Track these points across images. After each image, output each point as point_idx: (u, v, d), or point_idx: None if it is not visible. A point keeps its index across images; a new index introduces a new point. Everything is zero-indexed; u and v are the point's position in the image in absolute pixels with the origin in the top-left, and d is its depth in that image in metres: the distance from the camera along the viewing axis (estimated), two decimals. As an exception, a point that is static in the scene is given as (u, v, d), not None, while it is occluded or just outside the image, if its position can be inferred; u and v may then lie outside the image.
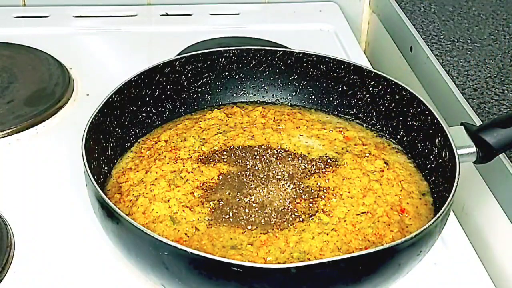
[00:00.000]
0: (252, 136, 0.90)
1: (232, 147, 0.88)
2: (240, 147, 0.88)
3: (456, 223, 0.91)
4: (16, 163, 0.96)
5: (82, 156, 0.77)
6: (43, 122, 1.02)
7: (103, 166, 0.84)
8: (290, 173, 0.84)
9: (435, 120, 0.85)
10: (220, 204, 0.80)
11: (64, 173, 0.94)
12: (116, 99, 0.87)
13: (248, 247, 0.75)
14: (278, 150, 0.88)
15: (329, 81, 0.96)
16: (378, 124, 0.94)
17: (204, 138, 0.89)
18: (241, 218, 0.78)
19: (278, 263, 0.73)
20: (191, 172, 0.83)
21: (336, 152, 0.88)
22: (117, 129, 0.88)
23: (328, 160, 0.86)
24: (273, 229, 0.77)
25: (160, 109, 0.93)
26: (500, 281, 0.88)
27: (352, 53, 1.23)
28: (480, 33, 1.19)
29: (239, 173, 0.84)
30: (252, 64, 0.97)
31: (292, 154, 0.87)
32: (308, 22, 1.33)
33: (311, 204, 0.80)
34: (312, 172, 0.85)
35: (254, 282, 0.68)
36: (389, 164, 0.87)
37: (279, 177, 0.83)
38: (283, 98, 0.98)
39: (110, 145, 0.86)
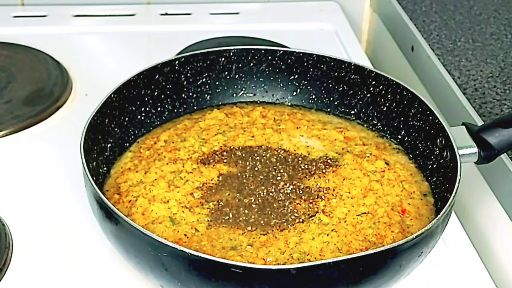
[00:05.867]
0: (252, 136, 0.89)
1: (232, 147, 0.88)
2: (240, 147, 0.88)
3: (457, 223, 0.91)
4: (14, 163, 0.96)
5: (81, 156, 0.77)
6: (41, 122, 1.02)
7: (102, 166, 0.84)
8: (290, 173, 0.84)
9: (437, 120, 0.85)
10: (220, 205, 0.79)
11: (63, 174, 0.93)
12: (115, 99, 0.87)
13: (247, 248, 0.75)
14: (278, 151, 0.87)
15: (330, 81, 0.96)
16: (379, 124, 0.94)
17: (204, 139, 0.89)
18: (241, 219, 0.78)
19: (278, 264, 0.73)
20: (191, 172, 0.83)
21: (337, 153, 0.88)
22: (116, 129, 0.88)
23: (329, 161, 0.86)
24: (273, 230, 0.77)
25: (159, 109, 0.93)
26: (501, 282, 0.87)
27: (352, 52, 1.22)
28: (482, 32, 1.19)
29: (239, 174, 0.83)
30: (252, 64, 0.97)
31: (292, 154, 0.87)
32: (308, 21, 1.32)
33: (311, 205, 0.80)
34: (312, 172, 0.84)
35: (254, 283, 0.68)
36: (390, 164, 0.86)
37: (279, 177, 0.83)
38: (283, 98, 0.98)
39: (109, 145, 0.86)
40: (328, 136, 0.91)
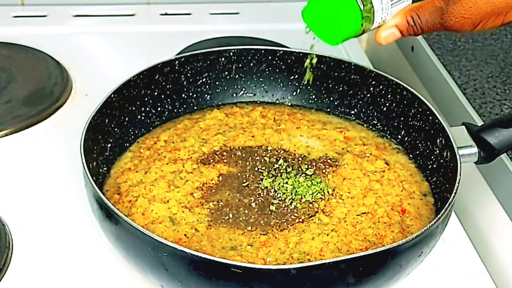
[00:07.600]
0: (253, 136, 0.89)
1: (232, 147, 0.88)
2: (240, 147, 0.88)
3: (457, 223, 0.91)
4: (15, 163, 0.96)
5: (81, 156, 0.77)
6: (41, 122, 1.02)
7: (102, 166, 0.84)
8: (290, 173, 0.84)
9: (437, 120, 0.85)
10: (220, 205, 0.79)
11: (63, 174, 0.93)
12: (115, 99, 0.87)
13: (247, 248, 0.75)
14: (278, 151, 0.87)
15: (330, 81, 0.96)
16: (379, 124, 0.93)
17: (204, 139, 0.89)
18: (241, 219, 0.78)
19: (278, 264, 0.73)
20: (191, 172, 0.83)
21: (337, 153, 0.88)
22: (116, 129, 0.88)
23: (328, 161, 0.86)
24: (272, 230, 0.76)
25: (159, 109, 0.93)
26: (501, 282, 0.87)
27: (353, 52, 1.22)
28: (482, 32, 1.19)
29: (239, 174, 0.83)
30: (252, 64, 0.97)
31: (292, 154, 0.87)
32: (308, 21, 1.32)
33: (311, 205, 0.80)
34: (312, 172, 0.84)
35: (254, 283, 0.68)
36: (390, 164, 0.86)
37: (278, 177, 0.83)
38: (283, 98, 0.98)
39: (109, 145, 0.86)
40: (328, 136, 0.91)
